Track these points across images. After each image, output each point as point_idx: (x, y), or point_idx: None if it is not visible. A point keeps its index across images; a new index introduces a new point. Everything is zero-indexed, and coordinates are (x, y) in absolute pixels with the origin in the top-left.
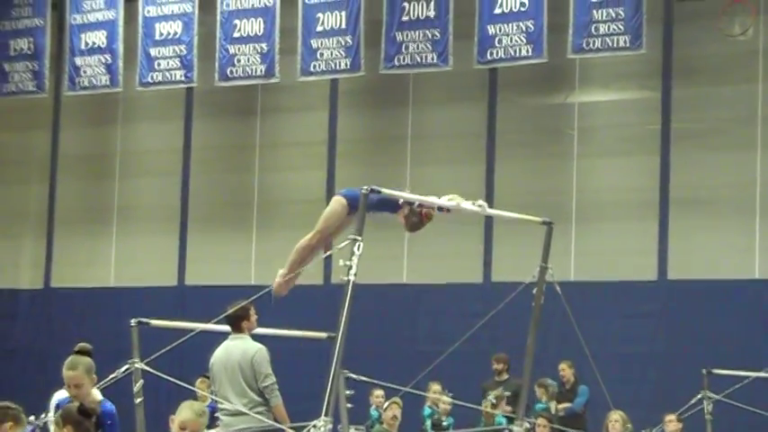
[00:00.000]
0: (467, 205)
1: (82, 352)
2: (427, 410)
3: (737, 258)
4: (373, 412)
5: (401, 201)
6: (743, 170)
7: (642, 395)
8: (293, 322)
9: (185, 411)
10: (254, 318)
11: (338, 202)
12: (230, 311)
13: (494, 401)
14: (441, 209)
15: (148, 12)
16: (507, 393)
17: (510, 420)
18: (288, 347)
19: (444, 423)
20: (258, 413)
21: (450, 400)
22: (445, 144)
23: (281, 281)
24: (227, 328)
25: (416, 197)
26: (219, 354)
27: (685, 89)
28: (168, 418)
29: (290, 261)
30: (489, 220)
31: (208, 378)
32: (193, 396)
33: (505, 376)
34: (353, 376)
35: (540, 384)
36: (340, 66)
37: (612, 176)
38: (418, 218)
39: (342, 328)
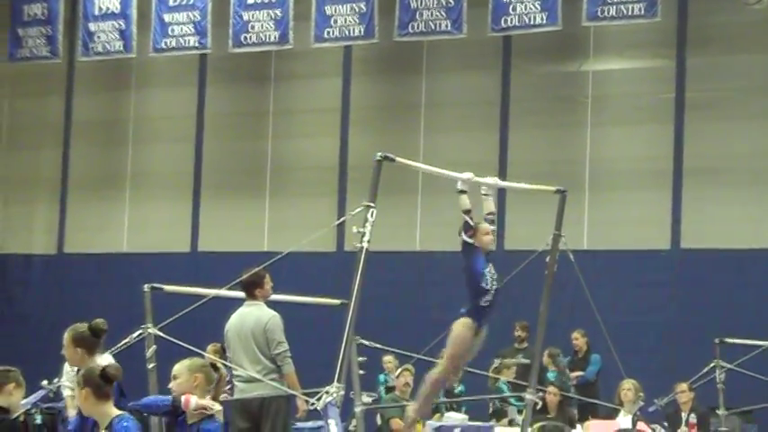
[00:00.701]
0: (482, 180)
1: (91, 328)
2: None
3: (750, 228)
4: (380, 377)
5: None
6: (757, 140)
7: (654, 364)
8: (306, 289)
9: (177, 364)
10: (268, 285)
11: (463, 324)
12: (244, 278)
13: (497, 366)
14: (492, 222)
15: None
16: (526, 361)
17: (514, 387)
18: (301, 314)
19: (456, 390)
20: (272, 380)
21: None
22: (459, 112)
23: (414, 416)
24: (240, 294)
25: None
26: (234, 321)
27: (700, 58)
28: None
29: (422, 395)
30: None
31: (219, 345)
32: None
33: (525, 344)
34: (366, 343)
35: (549, 354)
36: (354, 33)
37: (626, 145)
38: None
39: (355, 295)
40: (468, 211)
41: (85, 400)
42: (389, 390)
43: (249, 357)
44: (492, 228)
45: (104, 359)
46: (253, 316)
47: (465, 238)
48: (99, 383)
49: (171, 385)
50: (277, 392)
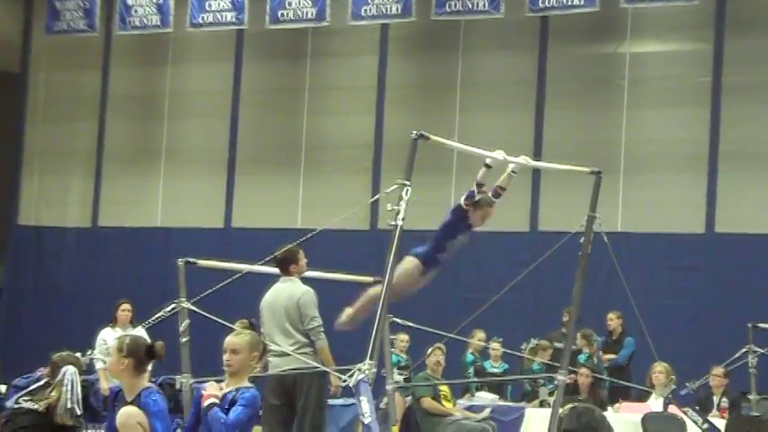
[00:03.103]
0: (512, 159)
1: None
2: (470, 357)
3: None
4: (395, 357)
5: (464, 204)
6: None
7: (687, 347)
8: (339, 266)
9: (235, 338)
10: (302, 261)
11: (412, 263)
12: (278, 254)
13: (533, 347)
14: (496, 195)
15: None
16: (560, 345)
17: (548, 369)
18: (334, 291)
19: (498, 369)
20: (304, 354)
21: (500, 347)
22: (495, 92)
23: (347, 319)
24: (272, 270)
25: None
26: (268, 296)
27: (738, 41)
28: (213, 358)
29: (359, 305)
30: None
31: (247, 321)
32: None
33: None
34: (399, 321)
35: (583, 335)
36: (391, 11)
37: (662, 128)
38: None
39: (388, 273)
40: (480, 185)
41: (124, 369)
42: (402, 369)
43: (282, 332)
44: (491, 207)
45: (138, 332)
46: (286, 291)
47: (462, 202)
48: (142, 358)
49: (227, 358)
50: (309, 367)
